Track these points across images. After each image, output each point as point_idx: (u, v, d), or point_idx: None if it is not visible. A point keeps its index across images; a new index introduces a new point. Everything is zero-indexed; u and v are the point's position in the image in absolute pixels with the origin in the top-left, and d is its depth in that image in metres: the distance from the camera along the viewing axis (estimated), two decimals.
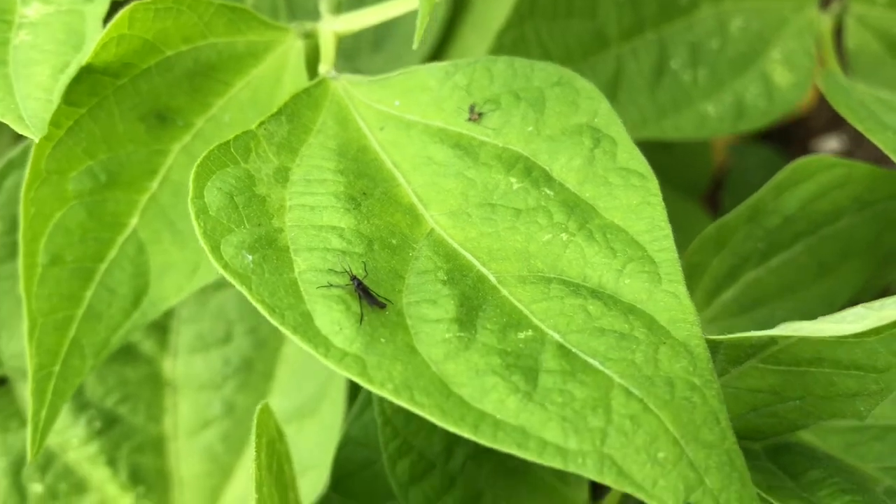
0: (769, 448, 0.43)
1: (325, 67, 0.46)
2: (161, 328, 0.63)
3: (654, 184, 0.39)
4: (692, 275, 0.50)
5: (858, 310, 0.32)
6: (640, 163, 0.40)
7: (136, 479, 0.62)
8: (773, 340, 0.37)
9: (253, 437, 0.43)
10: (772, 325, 0.52)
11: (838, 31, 0.72)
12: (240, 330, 0.63)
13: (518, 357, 0.33)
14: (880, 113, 0.57)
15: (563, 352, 0.33)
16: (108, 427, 0.62)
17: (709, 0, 0.67)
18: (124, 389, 0.62)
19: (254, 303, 0.33)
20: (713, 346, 0.37)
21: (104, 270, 0.45)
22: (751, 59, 0.68)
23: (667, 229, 0.37)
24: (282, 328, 0.33)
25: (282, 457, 0.48)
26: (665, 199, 0.97)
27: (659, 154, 1.03)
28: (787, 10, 0.71)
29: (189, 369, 0.63)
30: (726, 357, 0.37)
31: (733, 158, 0.98)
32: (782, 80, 0.69)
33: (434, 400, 0.31)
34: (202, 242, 0.35)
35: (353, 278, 0.35)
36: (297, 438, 0.61)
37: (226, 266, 0.34)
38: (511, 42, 0.60)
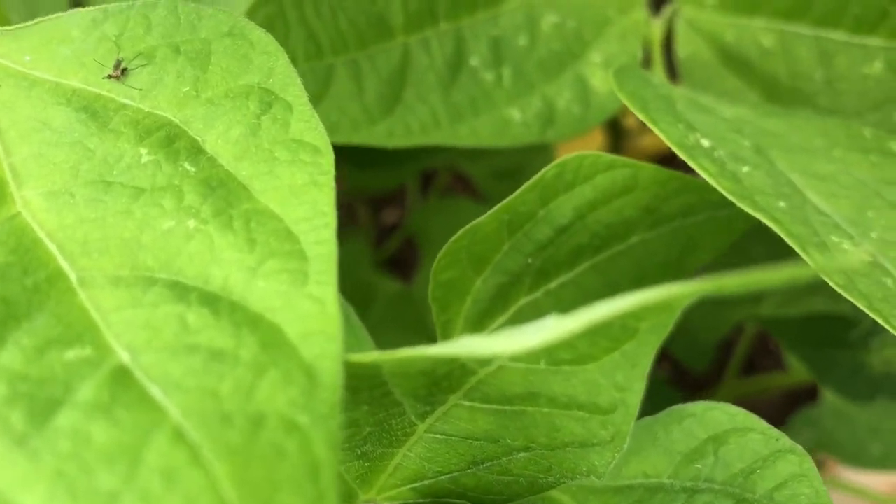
0: None
1: None
2: None
3: (327, 160, 0.29)
4: (448, 296, 0.41)
5: (548, 321, 0.23)
6: (317, 134, 0.30)
7: None
8: (469, 370, 0.27)
9: None
10: None
11: (671, 39, 0.65)
12: None
13: (42, 385, 0.22)
14: (685, 110, 0.48)
15: (119, 378, 0.23)
16: None
17: None
18: None
19: None
20: (376, 375, 0.27)
21: None
22: (566, 61, 0.60)
23: (329, 216, 0.28)
24: None
25: None
26: None
27: (505, 181, 0.94)
28: (611, 10, 0.63)
29: None
30: (404, 390, 0.28)
31: None
32: (602, 86, 0.61)
33: None
34: None
35: None
36: None
37: None
38: (265, 19, 0.50)
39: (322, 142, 0.30)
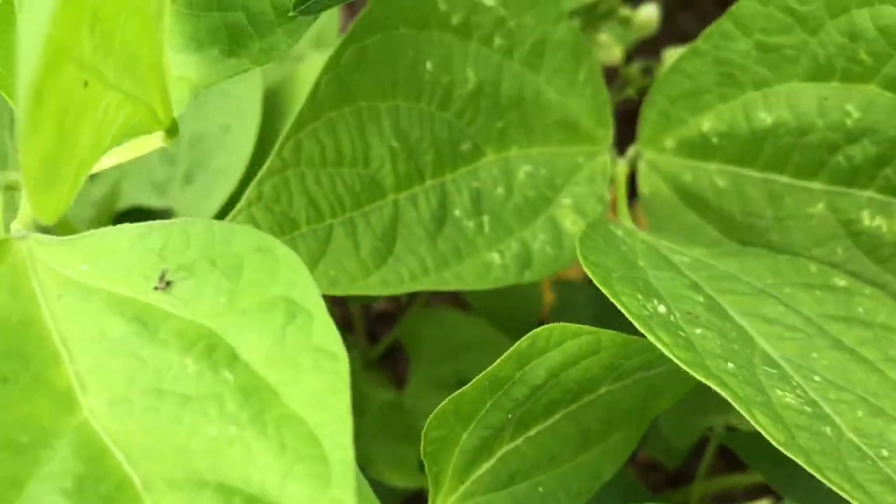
0: None
1: (17, 225, 0.42)
2: None
3: (343, 366, 0.35)
4: (438, 451, 0.46)
5: None
6: (334, 341, 0.36)
7: None
8: None
9: None
10: (533, 500, 0.48)
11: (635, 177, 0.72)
12: None
13: None
14: (647, 265, 0.55)
15: None
16: None
17: (493, 147, 0.65)
18: None
19: None
20: None
21: None
22: (540, 206, 0.67)
23: (346, 422, 0.33)
24: None
25: None
26: (492, 342, 0.93)
27: (489, 294, 1.00)
28: (580, 156, 0.70)
29: None
30: None
31: (558, 297, 0.96)
32: (573, 227, 0.67)
33: None
34: None
35: None
36: None
37: None
38: (272, 190, 0.56)
39: (339, 348, 0.36)
